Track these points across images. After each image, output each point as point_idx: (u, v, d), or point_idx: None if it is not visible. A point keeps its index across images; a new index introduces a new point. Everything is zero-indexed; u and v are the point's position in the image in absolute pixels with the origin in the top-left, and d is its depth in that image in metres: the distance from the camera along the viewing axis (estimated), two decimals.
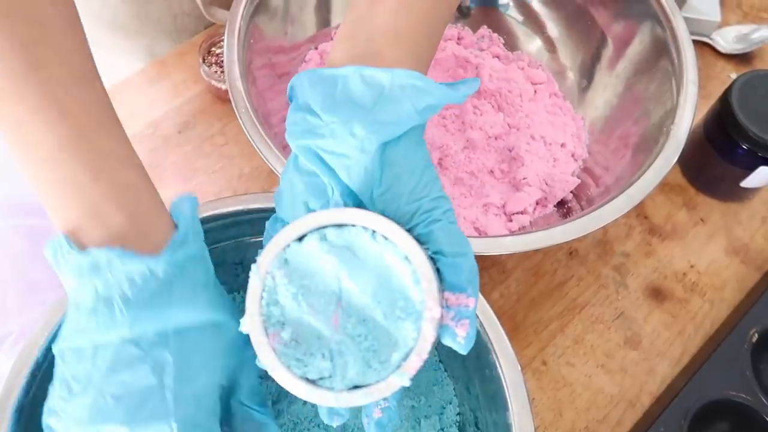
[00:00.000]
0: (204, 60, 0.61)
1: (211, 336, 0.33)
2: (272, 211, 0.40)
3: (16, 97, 0.30)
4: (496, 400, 0.37)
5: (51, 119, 0.31)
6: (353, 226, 0.30)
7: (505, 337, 0.37)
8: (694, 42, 0.51)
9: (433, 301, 0.29)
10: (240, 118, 0.46)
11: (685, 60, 0.50)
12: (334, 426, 0.33)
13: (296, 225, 0.31)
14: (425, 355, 0.29)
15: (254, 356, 0.32)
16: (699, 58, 0.50)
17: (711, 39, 0.69)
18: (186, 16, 0.68)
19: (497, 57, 0.62)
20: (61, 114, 0.31)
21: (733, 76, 0.68)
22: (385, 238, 0.30)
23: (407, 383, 0.29)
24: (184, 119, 0.61)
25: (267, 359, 0.30)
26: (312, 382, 0.30)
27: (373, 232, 0.30)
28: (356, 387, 0.30)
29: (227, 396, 0.35)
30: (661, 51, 0.52)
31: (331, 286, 0.30)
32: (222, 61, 0.59)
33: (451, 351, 0.43)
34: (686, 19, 0.52)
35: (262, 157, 0.44)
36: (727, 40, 0.69)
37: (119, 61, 0.67)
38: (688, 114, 0.48)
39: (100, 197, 0.31)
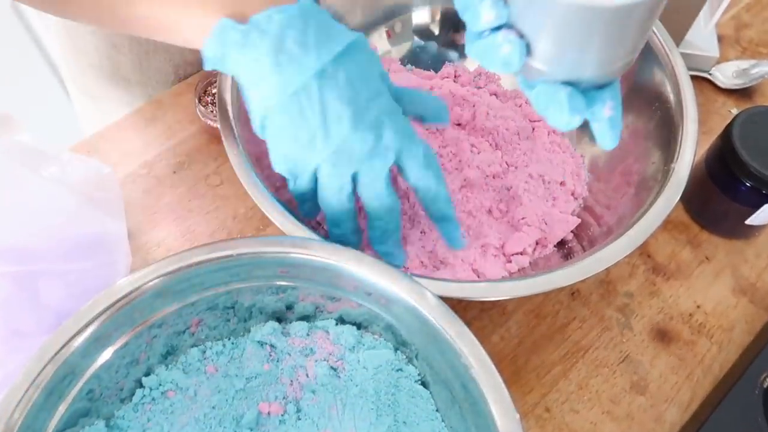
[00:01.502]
0: (200, 100, 0.61)
1: (361, 48, 0.41)
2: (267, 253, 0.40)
3: None
4: None
5: None
6: None
7: (504, 386, 0.35)
8: (694, 77, 0.50)
9: None
10: (232, 160, 0.45)
11: (685, 97, 0.49)
12: (572, 126, 0.34)
13: None
14: None
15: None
16: (699, 94, 0.50)
17: (710, 74, 0.69)
18: (188, 65, 0.68)
19: (494, 95, 0.61)
20: None
21: (734, 111, 0.67)
22: None
23: None
24: (179, 159, 0.61)
25: None
26: None
27: None
28: None
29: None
30: (660, 88, 0.51)
31: None
32: None
33: (448, 399, 0.42)
34: (684, 55, 0.51)
35: (254, 200, 0.43)
36: (726, 75, 0.69)
37: (118, 111, 0.67)
38: (689, 152, 0.47)
39: None
